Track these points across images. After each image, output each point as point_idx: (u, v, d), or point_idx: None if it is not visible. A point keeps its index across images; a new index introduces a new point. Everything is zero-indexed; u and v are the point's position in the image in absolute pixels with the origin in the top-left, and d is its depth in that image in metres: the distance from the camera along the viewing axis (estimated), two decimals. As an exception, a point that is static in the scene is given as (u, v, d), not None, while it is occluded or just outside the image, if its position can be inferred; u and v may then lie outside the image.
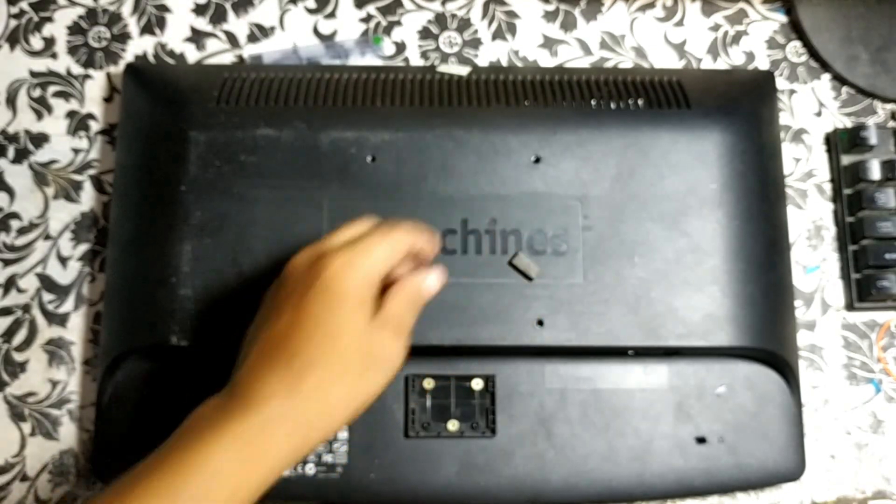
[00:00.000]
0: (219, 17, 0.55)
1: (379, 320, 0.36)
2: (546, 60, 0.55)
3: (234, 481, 0.33)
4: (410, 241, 0.38)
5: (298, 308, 0.35)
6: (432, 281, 0.39)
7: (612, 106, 0.48)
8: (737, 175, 0.47)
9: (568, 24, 0.56)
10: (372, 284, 0.36)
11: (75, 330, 0.50)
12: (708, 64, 0.55)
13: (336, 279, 0.35)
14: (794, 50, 0.56)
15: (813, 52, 0.55)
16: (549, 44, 0.55)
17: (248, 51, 0.55)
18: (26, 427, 0.49)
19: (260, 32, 0.55)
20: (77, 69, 0.54)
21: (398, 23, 0.55)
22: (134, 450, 0.45)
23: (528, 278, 0.45)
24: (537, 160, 0.47)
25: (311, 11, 0.55)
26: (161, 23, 0.55)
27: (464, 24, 0.55)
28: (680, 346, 0.45)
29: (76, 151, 0.53)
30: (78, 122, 0.53)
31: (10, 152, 0.52)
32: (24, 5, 0.55)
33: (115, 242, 0.48)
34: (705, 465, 0.45)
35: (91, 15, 0.55)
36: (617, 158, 0.47)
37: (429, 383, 0.45)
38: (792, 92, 0.55)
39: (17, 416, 0.49)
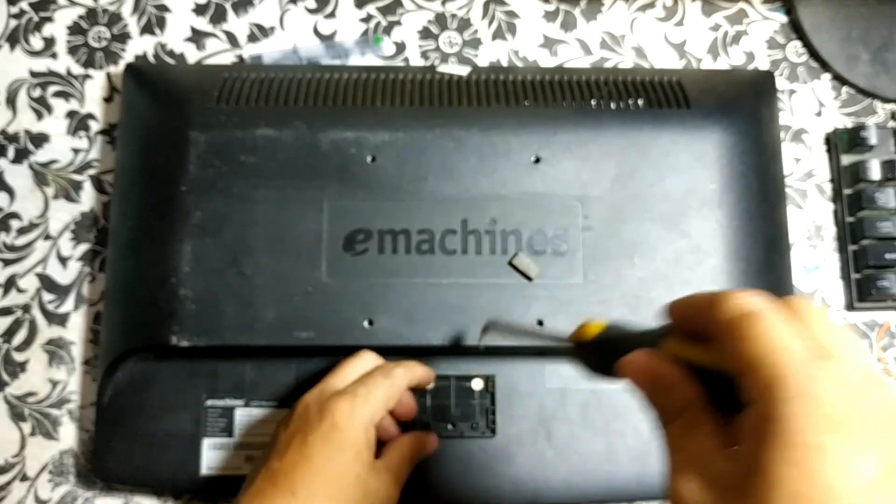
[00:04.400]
0: (219, 17, 0.55)
1: (380, 465, 0.40)
2: (546, 60, 0.55)
3: None
4: (406, 381, 0.42)
5: (303, 448, 0.38)
6: (431, 445, 0.44)
7: (612, 106, 0.48)
8: (737, 175, 0.47)
9: (568, 24, 0.56)
10: (371, 426, 0.40)
11: (75, 330, 0.50)
12: (708, 64, 0.55)
13: (339, 426, 0.38)
14: (794, 50, 0.56)
15: (813, 52, 0.55)
16: (549, 44, 0.55)
17: (248, 51, 0.55)
18: (26, 427, 0.49)
19: (260, 32, 0.55)
20: (77, 69, 0.54)
21: (398, 23, 0.55)
22: (134, 450, 0.46)
23: (529, 278, 0.45)
24: (537, 160, 0.47)
25: (311, 11, 0.55)
26: (161, 23, 0.55)
27: (464, 24, 0.55)
28: (680, 346, 0.45)
29: (76, 151, 0.53)
30: (78, 122, 0.53)
31: (10, 152, 0.52)
32: (24, 5, 0.55)
33: (115, 242, 0.48)
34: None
35: (91, 15, 0.55)
36: (617, 158, 0.47)
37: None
38: (792, 92, 0.55)
39: (17, 416, 0.49)
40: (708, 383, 0.26)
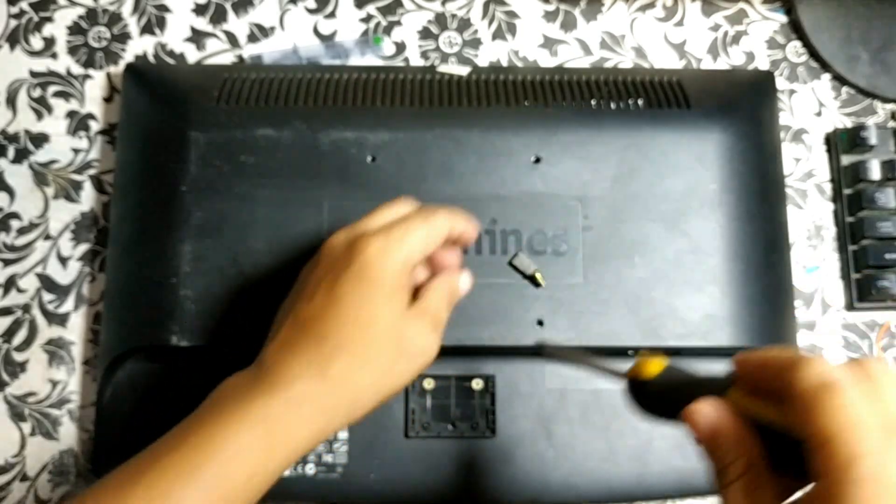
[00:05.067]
0: (219, 17, 0.55)
1: (416, 310, 0.36)
2: (546, 60, 0.55)
3: (256, 461, 0.32)
4: (448, 227, 0.38)
5: (332, 290, 0.35)
6: (465, 282, 0.40)
7: (612, 106, 0.48)
8: (737, 175, 0.47)
9: (568, 24, 0.56)
10: (407, 271, 0.36)
11: (75, 330, 0.50)
12: (708, 64, 0.55)
13: (372, 265, 0.34)
14: (794, 50, 0.56)
15: (813, 52, 0.55)
16: (549, 44, 0.55)
17: (248, 51, 0.55)
18: (26, 427, 0.49)
19: (260, 32, 0.55)
20: (77, 69, 0.54)
21: (398, 23, 0.55)
22: (134, 450, 0.45)
23: (529, 278, 0.45)
24: (537, 160, 0.47)
25: (311, 11, 0.55)
26: (161, 23, 0.55)
27: (464, 24, 0.55)
28: (680, 346, 0.45)
29: (76, 151, 0.53)
30: (78, 122, 0.53)
31: (10, 152, 0.52)
32: (24, 5, 0.55)
33: (115, 242, 0.48)
34: (705, 465, 0.45)
35: (91, 15, 0.55)
36: (617, 158, 0.47)
37: (429, 383, 0.45)
38: (792, 92, 0.55)
39: (17, 416, 0.49)
40: (768, 440, 0.26)
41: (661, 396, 0.29)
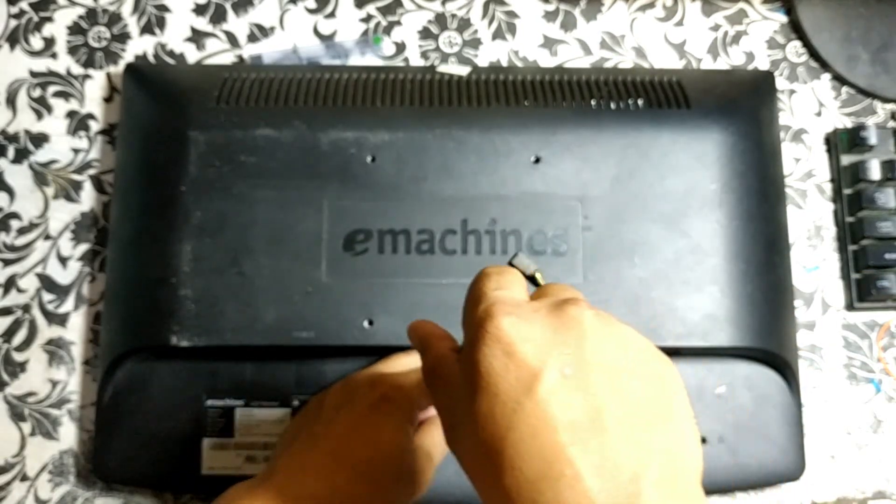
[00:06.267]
0: (219, 17, 0.55)
1: (419, 443, 0.40)
2: (546, 60, 0.55)
3: None
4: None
5: (350, 415, 0.38)
6: None
7: (612, 106, 0.48)
8: (737, 175, 0.47)
9: (568, 24, 0.56)
10: (416, 409, 0.40)
11: (75, 330, 0.50)
12: (708, 64, 0.55)
13: (391, 399, 0.39)
14: (794, 50, 0.56)
15: (813, 52, 0.55)
16: (549, 44, 0.55)
17: (248, 51, 0.55)
18: (26, 427, 0.49)
19: (260, 32, 0.55)
20: (77, 69, 0.54)
21: (398, 23, 0.55)
22: (134, 450, 0.46)
23: (529, 278, 0.45)
24: (537, 160, 0.47)
25: (311, 11, 0.55)
26: (161, 23, 0.55)
27: (464, 24, 0.55)
28: (680, 346, 0.45)
29: (76, 151, 0.53)
30: (78, 122, 0.53)
31: (10, 152, 0.52)
32: (24, 5, 0.55)
33: (115, 242, 0.48)
34: (705, 465, 0.45)
35: (91, 15, 0.55)
36: (617, 158, 0.47)
37: (429, 383, 0.45)
38: (792, 92, 0.55)
39: (17, 416, 0.49)
40: None
41: None
